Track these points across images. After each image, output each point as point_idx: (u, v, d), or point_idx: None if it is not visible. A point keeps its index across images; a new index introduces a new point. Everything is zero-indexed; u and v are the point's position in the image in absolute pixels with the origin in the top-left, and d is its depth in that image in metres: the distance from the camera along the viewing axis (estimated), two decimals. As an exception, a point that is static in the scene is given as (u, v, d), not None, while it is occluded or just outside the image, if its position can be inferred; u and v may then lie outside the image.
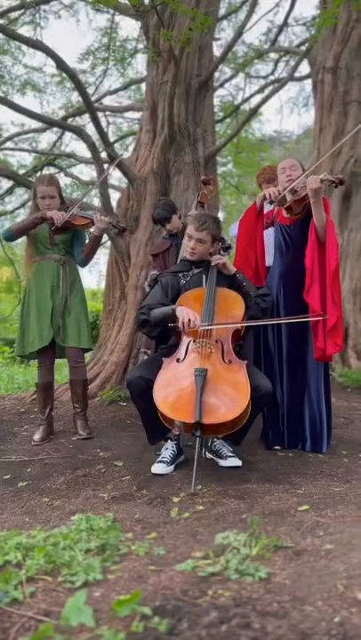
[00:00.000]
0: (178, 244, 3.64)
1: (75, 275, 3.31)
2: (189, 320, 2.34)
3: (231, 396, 2.15)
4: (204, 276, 2.70)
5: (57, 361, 3.50)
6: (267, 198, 2.84)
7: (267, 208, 3.17)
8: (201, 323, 2.39)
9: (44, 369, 3.25)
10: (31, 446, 3.05)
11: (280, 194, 2.81)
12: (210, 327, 2.40)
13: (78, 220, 3.18)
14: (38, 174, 8.53)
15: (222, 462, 2.50)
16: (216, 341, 2.38)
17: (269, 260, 3.16)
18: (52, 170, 9.28)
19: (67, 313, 3.18)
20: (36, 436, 3.13)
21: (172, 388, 2.22)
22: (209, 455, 2.62)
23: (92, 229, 3.25)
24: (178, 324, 2.37)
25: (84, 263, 3.35)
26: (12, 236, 3.20)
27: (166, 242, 3.65)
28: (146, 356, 3.65)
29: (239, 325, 2.47)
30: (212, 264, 2.63)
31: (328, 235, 2.73)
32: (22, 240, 3.46)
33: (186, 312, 2.39)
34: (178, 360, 2.34)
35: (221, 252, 3.02)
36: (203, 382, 2.13)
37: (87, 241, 3.32)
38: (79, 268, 3.42)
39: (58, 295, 3.17)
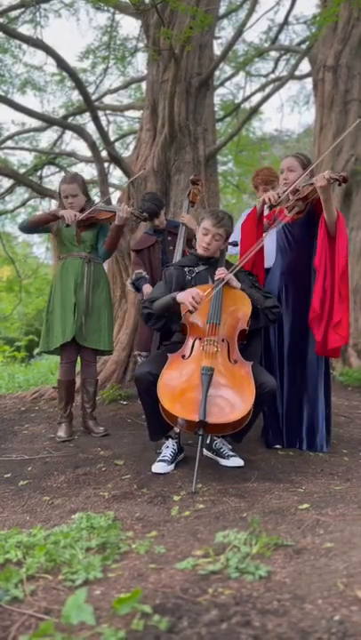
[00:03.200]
0: (163, 241, 3.62)
1: (100, 273, 3.33)
2: (193, 298, 2.32)
3: (237, 396, 2.14)
4: (209, 275, 2.67)
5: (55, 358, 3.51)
6: (266, 203, 2.82)
7: (266, 211, 3.15)
8: (204, 294, 2.36)
9: (66, 366, 3.26)
10: (57, 442, 3.06)
11: (279, 197, 2.79)
12: (221, 285, 2.37)
13: (102, 214, 3.23)
14: (38, 173, 8.53)
15: (224, 462, 2.50)
16: (223, 340, 2.38)
17: (269, 262, 3.16)
18: (52, 169, 9.27)
19: (89, 311, 3.20)
20: (61, 434, 3.15)
21: (177, 385, 2.21)
22: (208, 453, 2.61)
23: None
24: (184, 311, 2.36)
25: (106, 255, 3.38)
26: (26, 227, 3.25)
27: (151, 237, 3.63)
28: (140, 359, 3.65)
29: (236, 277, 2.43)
30: (216, 277, 2.56)
31: (338, 231, 2.72)
32: (29, 240, 3.50)
33: (187, 293, 2.37)
34: (183, 357, 2.34)
35: (230, 247, 3.02)
36: (209, 381, 2.13)
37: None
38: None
39: (81, 292, 3.18)
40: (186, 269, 2.71)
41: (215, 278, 2.56)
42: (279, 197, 2.79)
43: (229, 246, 3.09)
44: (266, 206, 2.88)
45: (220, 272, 2.55)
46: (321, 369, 2.93)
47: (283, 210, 3.03)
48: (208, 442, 2.63)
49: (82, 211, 3.23)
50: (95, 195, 9.27)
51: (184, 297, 2.37)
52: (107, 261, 4.93)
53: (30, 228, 3.24)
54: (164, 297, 2.49)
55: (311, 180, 2.75)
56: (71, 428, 3.23)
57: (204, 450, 2.63)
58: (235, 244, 3.14)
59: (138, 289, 3.56)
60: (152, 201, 3.59)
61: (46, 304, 3.30)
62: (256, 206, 2.97)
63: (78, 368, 3.52)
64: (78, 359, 3.37)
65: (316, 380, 2.91)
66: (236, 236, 3.74)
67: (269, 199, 2.78)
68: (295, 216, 2.95)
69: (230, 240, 3.08)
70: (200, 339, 2.38)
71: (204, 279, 2.67)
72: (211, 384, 2.13)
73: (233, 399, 2.13)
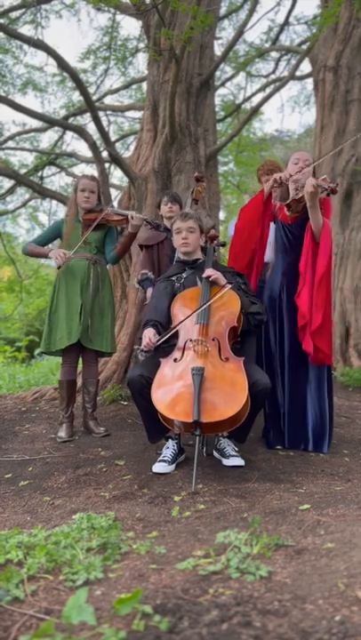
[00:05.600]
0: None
1: (105, 274, 3.35)
2: (146, 343, 2.41)
3: (229, 394, 2.15)
4: (197, 277, 2.70)
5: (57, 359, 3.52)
6: (277, 181, 2.76)
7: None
8: (158, 337, 2.43)
9: (67, 366, 3.26)
10: (58, 443, 3.07)
11: (291, 176, 2.76)
12: (164, 337, 2.42)
13: (113, 216, 3.25)
14: (39, 173, 8.54)
15: (225, 461, 2.50)
16: (213, 339, 2.38)
17: (267, 256, 3.15)
18: (53, 169, 9.28)
19: (95, 313, 3.22)
20: (62, 434, 3.15)
21: (170, 388, 2.22)
22: (215, 454, 2.62)
23: (124, 227, 3.31)
24: (174, 324, 2.45)
25: (115, 261, 3.40)
26: (27, 253, 3.36)
27: (161, 234, 3.63)
28: (141, 355, 3.65)
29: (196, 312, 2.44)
30: (204, 275, 2.61)
31: (322, 239, 2.71)
32: (29, 240, 3.55)
33: (144, 335, 2.48)
34: (175, 360, 2.35)
35: (217, 248, 3.02)
36: (200, 381, 2.13)
37: (120, 238, 3.36)
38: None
39: (87, 294, 3.20)
40: (173, 278, 2.76)
41: (203, 276, 2.61)
42: (291, 175, 2.74)
43: (220, 247, 3.10)
44: (276, 186, 2.81)
45: (209, 272, 2.59)
46: (323, 368, 2.92)
47: (283, 208, 3.02)
48: (215, 442, 2.64)
49: (91, 211, 3.26)
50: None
51: (143, 338, 2.49)
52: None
53: (29, 255, 3.39)
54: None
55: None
56: (72, 429, 3.24)
57: (213, 450, 2.64)
58: (223, 245, 3.14)
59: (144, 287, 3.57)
60: (176, 194, 3.62)
61: (49, 304, 3.31)
62: (264, 188, 2.91)
63: (79, 368, 3.52)
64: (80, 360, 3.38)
65: (318, 379, 2.91)
66: (231, 230, 3.74)
67: (280, 177, 2.74)
68: (294, 215, 2.94)
69: (220, 241, 3.08)
70: (190, 340, 2.39)
71: (191, 282, 2.71)
72: (202, 383, 2.14)
73: (226, 396, 2.14)
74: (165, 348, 2.62)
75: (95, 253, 3.29)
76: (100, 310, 3.24)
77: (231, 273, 2.78)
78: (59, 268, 3.18)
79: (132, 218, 3.17)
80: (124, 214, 3.25)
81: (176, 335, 2.50)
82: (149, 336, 2.46)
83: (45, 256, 3.27)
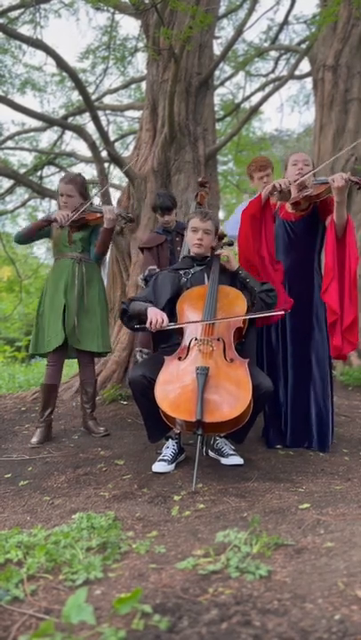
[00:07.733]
0: (172, 241, 3.63)
1: (92, 273, 3.27)
2: (156, 320, 2.37)
3: (233, 395, 2.14)
4: (205, 274, 2.69)
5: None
6: (277, 189, 2.75)
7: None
8: (168, 323, 2.41)
9: (52, 369, 3.17)
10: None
11: (290, 183, 2.75)
12: (174, 326, 2.42)
13: (90, 215, 3.21)
14: (38, 173, 8.54)
15: (224, 460, 2.50)
16: (218, 339, 2.38)
17: None
18: (52, 169, 9.28)
19: (82, 312, 3.15)
20: (34, 439, 3.07)
21: (174, 387, 2.21)
22: (211, 454, 2.62)
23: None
24: (147, 324, 2.41)
25: (98, 258, 3.33)
26: (20, 238, 3.21)
27: (160, 236, 3.62)
28: (141, 356, 3.64)
29: (210, 322, 2.42)
30: (216, 252, 2.63)
31: (349, 233, 2.70)
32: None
33: (154, 313, 2.42)
34: (179, 358, 2.34)
35: (224, 247, 3.02)
36: (204, 380, 2.13)
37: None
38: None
39: (72, 293, 3.14)
40: (181, 272, 2.75)
41: (216, 253, 2.63)
42: (290, 184, 2.75)
43: (226, 246, 3.08)
44: (276, 192, 2.81)
45: (220, 250, 2.63)
46: (325, 367, 2.92)
47: (284, 206, 3.01)
48: (212, 442, 2.63)
49: (75, 211, 3.21)
50: (95, 195, 9.29)
51: (151, 314, 2.43)
52: (107, 262, 4.92)
53: (25, 237, 3.19)
54: (142, 303, 2.54)
55: (322, 179, 2.73)
56: (47, 434, 3.14)
57: (210, 451, 2.63)
58: (230, 244, 3.12)
59: None
60: (166, 197, 3.60)
61: (37, 306, 3.25)
62: (261, 193, 2.89)
63: (76, 369, 3.49)
64: (74, 362, 3.34)
65: (322, 378, 2.90)
66: (230, 229, 3.73)
67: (280, 185, 2.74)
68: (299, 214, 2.93)
69: (228, 240, 3.07)
70: (195, 339, 2.38)
71: (199, 280, 2.69)
72: (207, 383, 2.14)
73: (229, 397, 2.13)
74: (166, 348, 2.61)
75: (81, 252, 3.24)
76: (87, 310, 3.17)
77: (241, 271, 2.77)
78: (61, 227, 3.11)
79: (107, 212, 3.11)
80: (99, 211, 3.19)
81: (181, 333, 2.50)
82: (161, 316, 2.40)
83: (46, 223, 3.17)
